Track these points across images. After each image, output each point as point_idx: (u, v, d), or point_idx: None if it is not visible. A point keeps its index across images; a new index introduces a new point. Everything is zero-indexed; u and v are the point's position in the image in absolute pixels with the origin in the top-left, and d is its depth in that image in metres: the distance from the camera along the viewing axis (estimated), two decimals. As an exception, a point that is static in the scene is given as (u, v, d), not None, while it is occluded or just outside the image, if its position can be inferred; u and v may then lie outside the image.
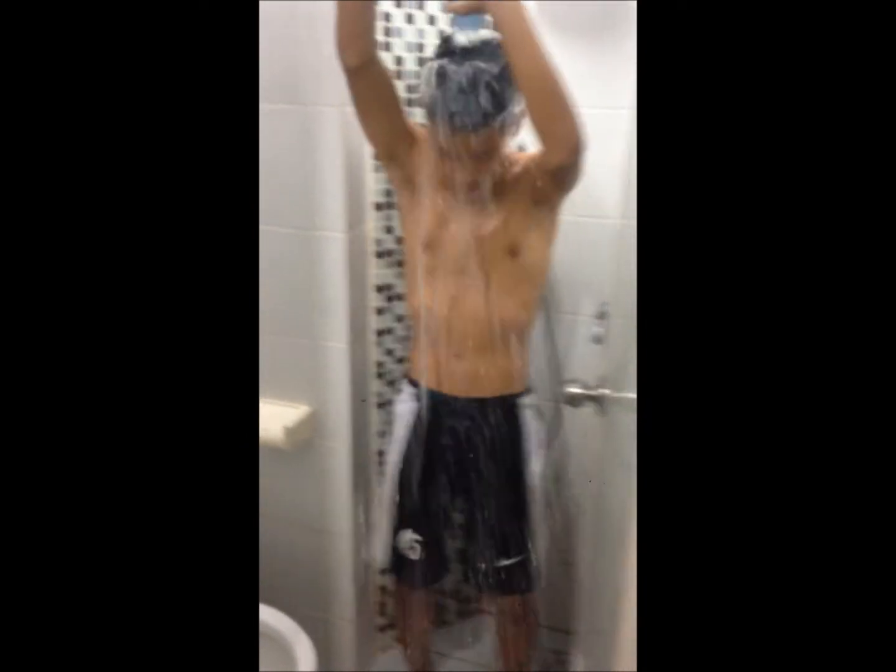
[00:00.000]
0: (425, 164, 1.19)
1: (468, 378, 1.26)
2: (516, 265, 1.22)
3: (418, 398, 1.32)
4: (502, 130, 1.09)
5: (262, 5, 1.20)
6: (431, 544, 1.38)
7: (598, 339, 1.36)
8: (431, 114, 1.08)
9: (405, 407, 1.35)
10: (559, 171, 1.11)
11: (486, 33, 1.06)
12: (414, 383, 1.34)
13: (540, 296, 1.31)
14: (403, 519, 1.38)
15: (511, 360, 1.28)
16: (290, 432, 1.40)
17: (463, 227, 1.19)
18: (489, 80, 1.03)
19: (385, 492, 1.40)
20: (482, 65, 1.03)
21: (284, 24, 1.20)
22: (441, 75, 1.05)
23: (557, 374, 1.54)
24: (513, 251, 1.21)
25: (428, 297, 1.26)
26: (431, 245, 1.23)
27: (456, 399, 1.28)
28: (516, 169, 1.18)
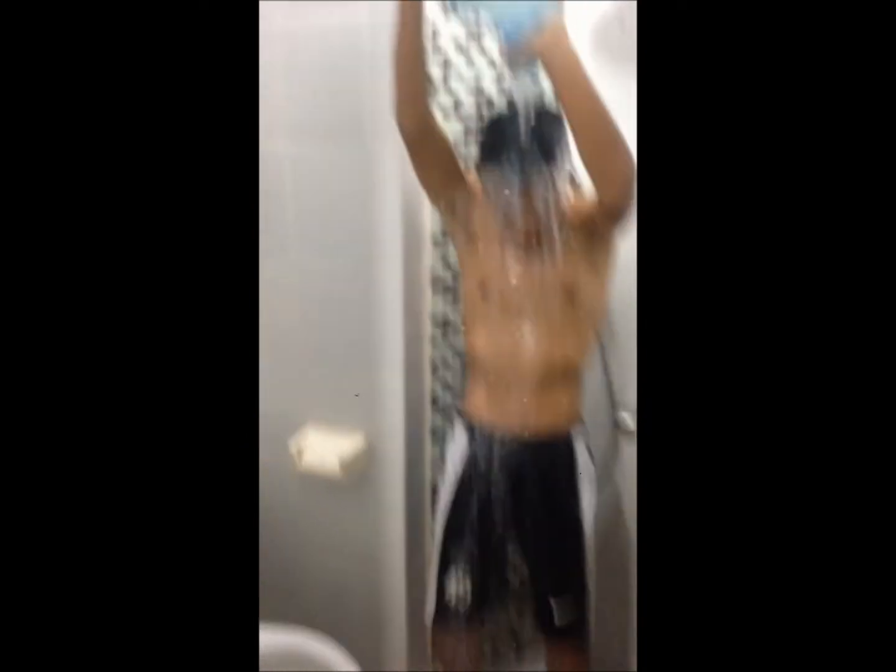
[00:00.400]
0: (481, 215, 1.24)
1: (521, 415, 1.26)
2: (572, 307, 1.24)
3: (471, 434, 1.33)
4: (558, 183, 1.14)
5: (329, 55, 1.28)
6: (480, 584, 1.36)
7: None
8: (490, 173, 1.14)
9: (457, 443, 1.35)
10: (614, 211, 1.12)
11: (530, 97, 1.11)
12: (466, 419, 1.35)
13: (595, 333, 1.31)
14: (452, 558, 1.36)
15: (564, 398, 1.29)
16: (346, 463, 1.42)
17: (518, 272, 1.22)
18: (544, 139, 1.08)
19: (436, 529, 1.39)
20: (535, 126, 1.08)
21: (349, 72, 1.27)
22: (497, 137, 1.11)
23: (611, 403, 1.54)
24: (569, 294, 1.23)
25: (484, 337, 1.28)
26: (487, 288, 1.26)
27: (508, 435, 1.28)
28: (571, 212, 1.21)
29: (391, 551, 1.52)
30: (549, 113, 1.12)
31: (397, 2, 1.04)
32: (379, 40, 1.23)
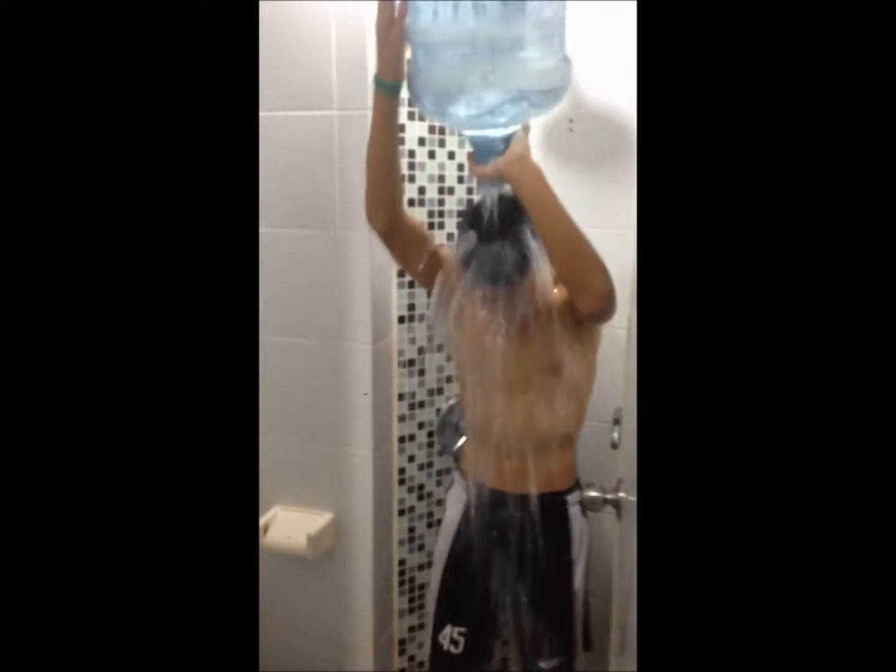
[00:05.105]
0: (464, 297, 1.25)
1: (516, 476, 1.29)
2: (560, 381, 1.27)
3: (468, 490, 1.35)
4: (534, 281, 1.18)
5: (300, 142, 1.36)
6: (474, 637, 1.37)
7: (613, 445, 1.39)
8: (467, 282, 1.18)
9: (455, 497, 1.38)
10: (592, 319, 1.18)
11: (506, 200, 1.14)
12: (464, 475, 1.37)
13: (586, 402, 1.35)
14: (447, 611, 1.38)
15: (558, 461, 1.32)
16: (313, 540, 1.42)
17: (503, 351, 1.24)
18: (515, 251, 1.12)
19: (431, 581, 1.41)
20: (506, 238, 1.12)
21: (319, 159, 1.35)
22: (469, 252, 1.15)
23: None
24: (556, 369, 1.26)
25: (474, 404, 1.31)
26: (476, 363, 1.29)
27: (504, 493, 1.30)
28: (553, 298, 1.25)
29: (358, 632, 1.50)
30: (518, 226, 1.14)
31: (372, 110, 1.07)
32: (347, 130, 1.31)
